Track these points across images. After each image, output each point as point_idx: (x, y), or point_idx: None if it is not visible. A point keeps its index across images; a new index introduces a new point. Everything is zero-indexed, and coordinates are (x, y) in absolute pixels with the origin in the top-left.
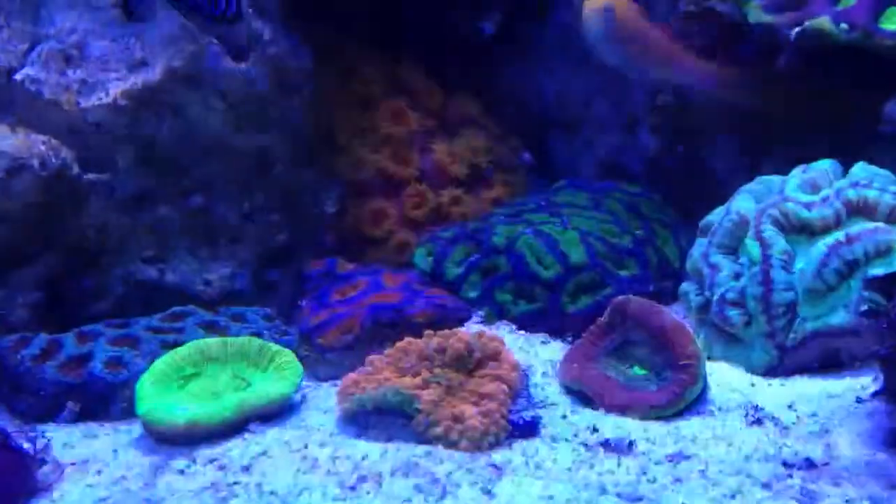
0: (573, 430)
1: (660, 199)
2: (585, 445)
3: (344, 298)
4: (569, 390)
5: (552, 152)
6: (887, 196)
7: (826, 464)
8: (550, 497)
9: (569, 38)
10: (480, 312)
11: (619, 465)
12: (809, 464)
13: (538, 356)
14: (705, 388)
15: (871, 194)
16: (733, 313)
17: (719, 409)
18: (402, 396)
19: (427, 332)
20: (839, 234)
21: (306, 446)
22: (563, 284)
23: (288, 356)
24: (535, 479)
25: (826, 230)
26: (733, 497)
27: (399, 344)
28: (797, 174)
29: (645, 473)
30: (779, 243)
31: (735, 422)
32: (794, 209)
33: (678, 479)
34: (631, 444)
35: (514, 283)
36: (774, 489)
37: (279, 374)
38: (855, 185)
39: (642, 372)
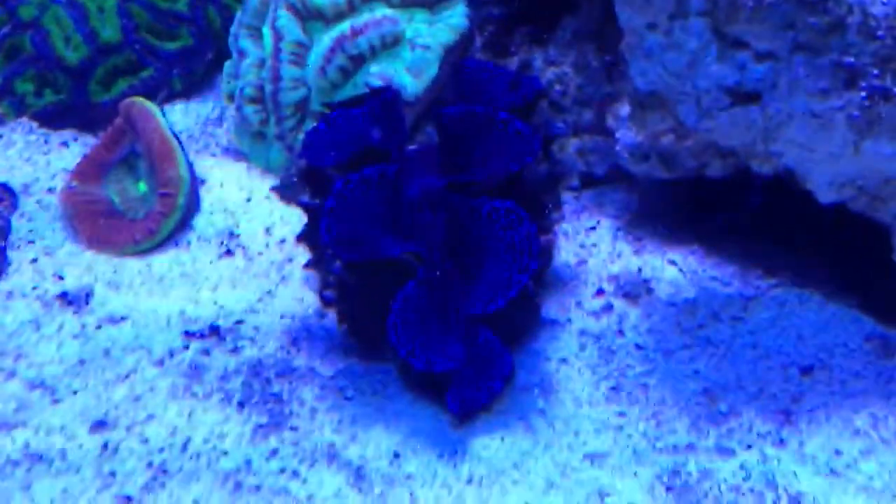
0: (36, 280)
1: None
2: (43, 300)
3: None
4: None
5: None
6: None
7: (240, 322)
8: None
9: None
10: None
11: (61, 327)
12: (213, 330)
13: (50, 166)
14: (194, 212)
15: None
16: (250, 110)
17: (199, 237)
18: None
19: None
20: (345, 26)
21: None
22: (93, 70)
23: None
24: None
25: (339, 18)
26: (126, 378)
27: None
28: None
29: (80, 336)
30: (292, 34)
31: (207, 254)
32: None
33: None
34: (88, 295)
35: (37, 70)
36: (166, 365)
37: None
38: None
39: (145, 189)
